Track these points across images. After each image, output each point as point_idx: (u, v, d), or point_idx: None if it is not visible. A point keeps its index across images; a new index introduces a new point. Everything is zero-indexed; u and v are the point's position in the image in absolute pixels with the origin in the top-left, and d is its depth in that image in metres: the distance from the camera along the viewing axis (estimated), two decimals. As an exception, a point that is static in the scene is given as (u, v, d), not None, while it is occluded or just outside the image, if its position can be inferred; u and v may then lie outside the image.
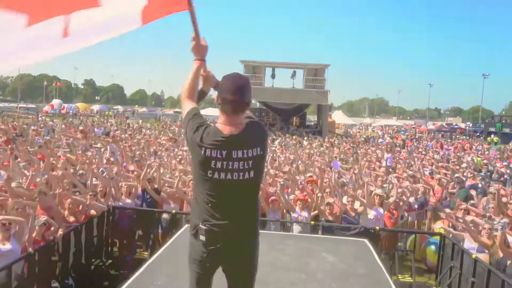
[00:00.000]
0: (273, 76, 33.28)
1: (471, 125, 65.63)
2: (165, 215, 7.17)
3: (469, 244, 6.13)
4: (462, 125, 67.30)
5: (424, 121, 71.77)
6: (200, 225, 2.38)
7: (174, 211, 7.02)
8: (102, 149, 11.25)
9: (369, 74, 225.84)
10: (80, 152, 10.64)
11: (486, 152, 21.38)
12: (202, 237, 2.38)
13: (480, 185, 11.34)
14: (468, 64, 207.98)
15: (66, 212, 5.86)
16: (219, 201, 2.37)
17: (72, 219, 5.90)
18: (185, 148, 13.71)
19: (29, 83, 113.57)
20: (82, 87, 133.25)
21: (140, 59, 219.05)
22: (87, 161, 8.83)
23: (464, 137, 45.55)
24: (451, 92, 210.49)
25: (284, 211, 7.41)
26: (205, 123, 2.42)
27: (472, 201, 7.87)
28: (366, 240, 5.27)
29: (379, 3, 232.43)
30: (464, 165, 13.88)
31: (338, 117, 52.37)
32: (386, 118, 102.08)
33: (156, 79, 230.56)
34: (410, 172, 10.64)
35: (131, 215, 7.21)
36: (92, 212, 6.36)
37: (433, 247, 7.69)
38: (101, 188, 6.99)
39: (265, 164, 2.66)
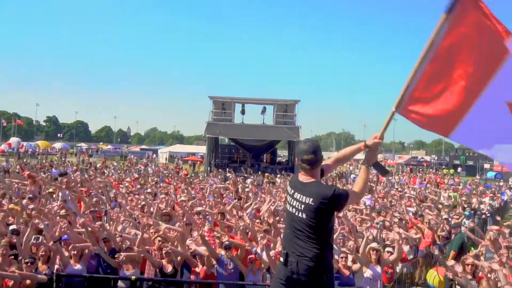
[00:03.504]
0: (242, 112, 32.41)
1: (436, 158, 67.10)
2: (121, 283, 5.90)
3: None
4: (427, 158, 68.73)
5: (392, 155, 72.94)
6: (282, 250, 3.05)
7: (134, 277, 5.77)
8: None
9: (335, 109, 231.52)
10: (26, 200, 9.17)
11: (460, 187, 21.17)
12: (281, 258, 2.98)
13: (465, 224, 10.79)
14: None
15: (-11, 292, 4.53)
16: (289, 230, 3.03)
17: (-4, 301, 4.56)
18: (149, 190, 12.41)
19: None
20: (44, 124, 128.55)
21: (105, 95, 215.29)
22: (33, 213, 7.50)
23: (431, 169, 46.32)
24: (414, 126, 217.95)
25: (264, 270, 6.34)
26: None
27: (475, 251, 7.07)
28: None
29: (341, 36, 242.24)
30: (445, 202, 13.33)
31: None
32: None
33: (122, 115, 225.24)
34: (397, 215, 9.86)
35: (81, 283, 5.91)
36: (27, 282, 5.06)
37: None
38: (43, 253, 5.69)
39: (327, 222, 2.95)
